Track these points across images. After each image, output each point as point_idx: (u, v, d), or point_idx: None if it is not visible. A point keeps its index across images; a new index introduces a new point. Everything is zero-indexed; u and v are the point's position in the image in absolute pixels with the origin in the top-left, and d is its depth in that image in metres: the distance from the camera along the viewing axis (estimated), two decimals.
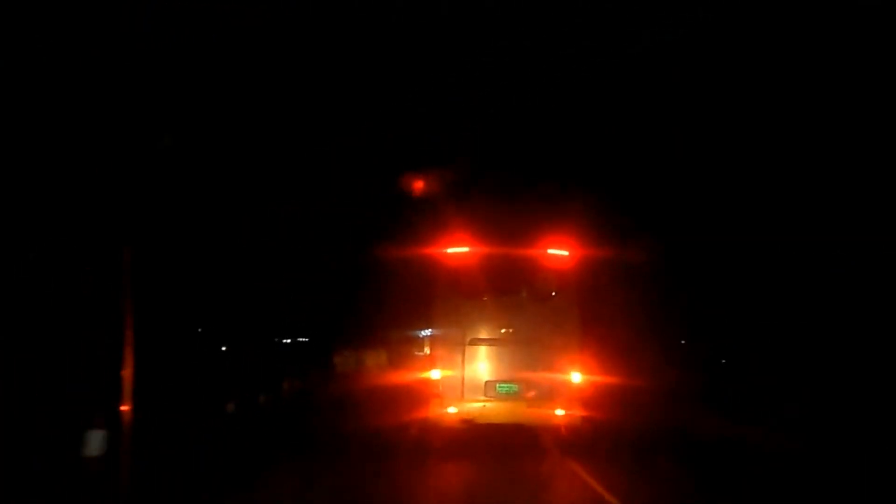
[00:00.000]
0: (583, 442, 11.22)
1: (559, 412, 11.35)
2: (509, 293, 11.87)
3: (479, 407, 11.46)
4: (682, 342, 26.66)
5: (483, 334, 11.69)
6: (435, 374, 11.62)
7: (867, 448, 11.27)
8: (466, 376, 11.54)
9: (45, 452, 8.81)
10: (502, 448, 11.28)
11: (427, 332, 12.14)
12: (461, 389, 11.52)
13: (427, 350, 12.08)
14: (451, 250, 11.91)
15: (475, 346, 11.65)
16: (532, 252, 12.12)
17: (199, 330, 20.34)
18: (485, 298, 11.78)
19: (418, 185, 18.32)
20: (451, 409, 11.43)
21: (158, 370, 11.65)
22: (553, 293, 11.89)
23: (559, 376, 11.43)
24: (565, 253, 12.00)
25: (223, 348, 21.47)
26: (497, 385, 11.53)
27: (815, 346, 18.57)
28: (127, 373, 8.51)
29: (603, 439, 11.47)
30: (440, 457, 10.84)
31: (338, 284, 24.12)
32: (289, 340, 27.12)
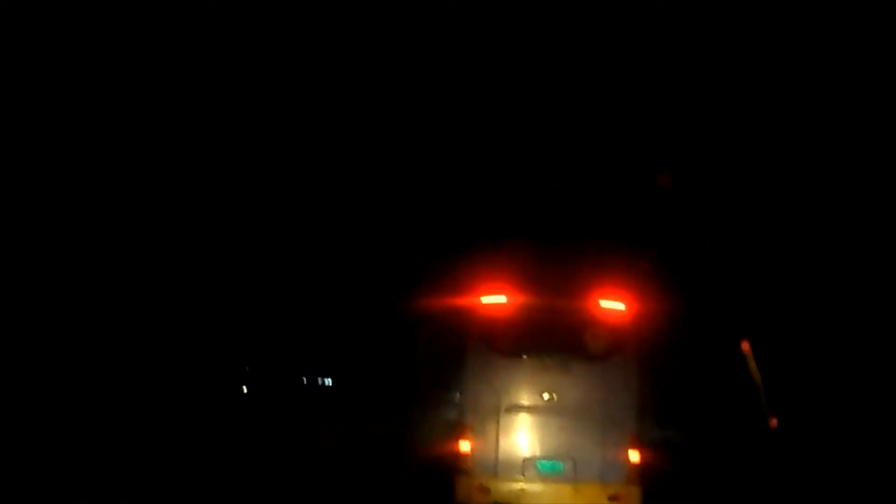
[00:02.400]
0: None
1: (613, 500, 9.48)
2: (554, 352, 9.96)
3: (515, 488, 9.63)
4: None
5: (522, 400, 9.87)
6: (464, 445, 9.82)
7: None
8: (501, 450, 9.70)
9: None
10: None
11: (457, 394, 10.32)
12: (495, 466, 9.69)
13: (456, 416, 10.25)
14: (486, 299, 10.19)
15: (512, 414, 9.84)
16: (582, 304, 10.30)
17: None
18: (525, 357, 9.97)
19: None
20: (482, 490, 9.61)
21: None
22: (607, 353, 10.03)
23: (614, 454, 9.58)
24: (621, 306, 10.19)
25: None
26: (538, 462, 9.68)
27: None
28: None
29: None
30: None
31: (362, 336, 22.90)
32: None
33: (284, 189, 18.37)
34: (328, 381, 24.94)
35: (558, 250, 11.60)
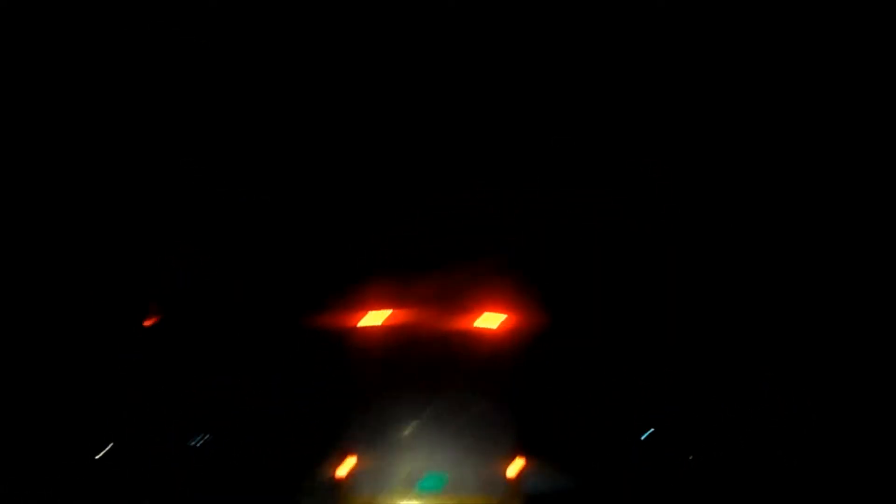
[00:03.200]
0: None
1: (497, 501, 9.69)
2: (434, 370, 10.14)
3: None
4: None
5: (403, 419, 9.95)
6: (345, 465, 9.85)
7: None
8: (383, 469, 9.77)
9: None
10: None
11: (340, 416, 10.32)
12: (377, 485, 9.75)
13: (338, 438, 10.23)
14: (364, 321, 10.27)
15: (394, 434, 9.91)
16: (460, 322, 10.54)
17: None
18: (406, 375, 10.10)
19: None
20: None
21: None
22: (485, 369, 10.26)
23: (494, 467, 9.78)
24: (497, 323, 10.48)
25: None
26: (420, 479, 9.78)
27: None
28: None
29: None
30: None
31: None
32: None
33: None
34: None
35: (437, 270, 11.79)
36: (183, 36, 14.10)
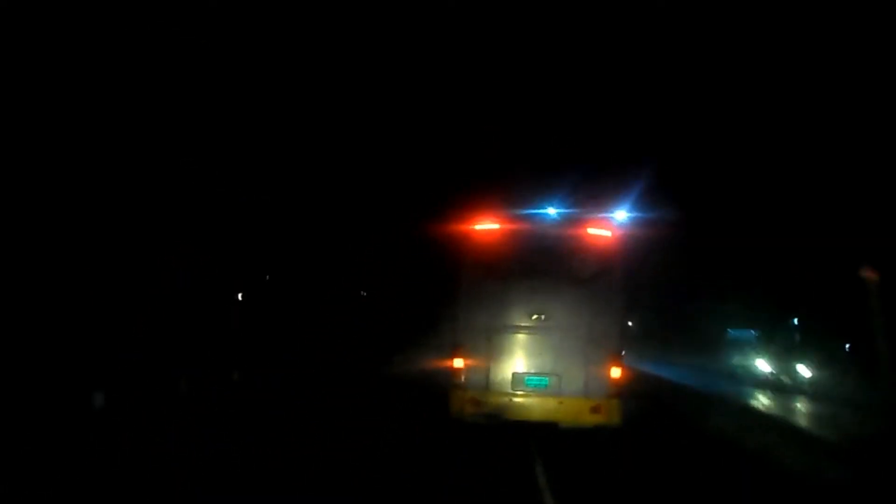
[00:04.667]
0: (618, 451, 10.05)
1: (595, 412, 10.15)
2: (543, 276, 10.48)
3: (505, 402, 10.29)
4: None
5: (513, 321, 10.45)
6: (458, 362, 10.46)
7: None
8: (492, 366, 10.34)
9: None
10: (524, 452, 10.01)
11: (454, 315, 10.86)
12: (486, 381, 10.33)
13: (451, 336, 10.82)
14: (479, 226, 10.72)
15: (503, 334, 10.44)
16: (570, 231, 10.87)
17: None
18: (516, 280, 10.50)
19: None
20: (474, 403, 10.28)
21: None
22: (592, 278, 10.56)
23: (596, 370, 10.20)
24: (607, 233, 10.74)
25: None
26: (526, 378, 10.32)
27: None
28: None
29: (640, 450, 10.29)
30: (453, 456, 9.60)
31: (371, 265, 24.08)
32: None
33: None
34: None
35: (551, 177, 12.01)
36: (183, 36, 14.06)
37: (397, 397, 13.90)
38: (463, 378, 10.36)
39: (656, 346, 33.10)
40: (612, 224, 10.93)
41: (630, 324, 24.13)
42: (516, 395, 10.27)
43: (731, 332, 30.15)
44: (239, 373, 16.23)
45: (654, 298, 31.30)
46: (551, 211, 11.16)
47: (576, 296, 10.43)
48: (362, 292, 27.35)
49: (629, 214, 13.23)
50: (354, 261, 23.66)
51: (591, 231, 10.72)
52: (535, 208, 11.31)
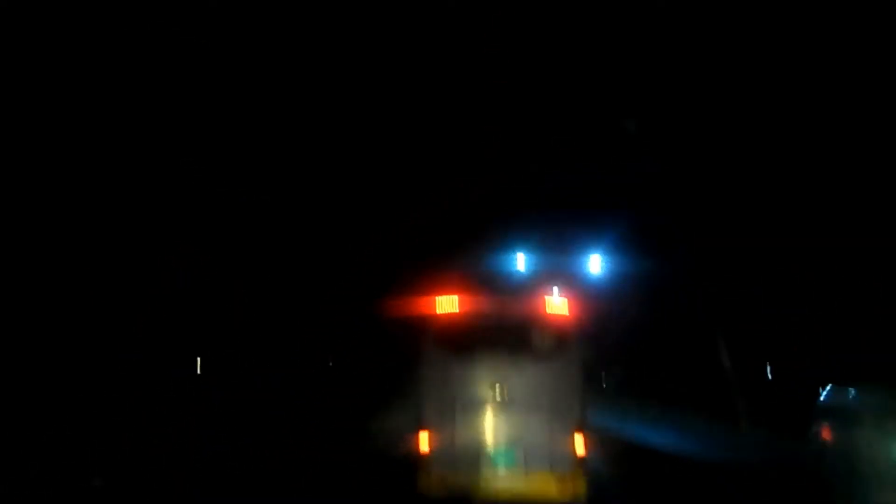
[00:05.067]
0: None
1: (561, 484, 10.29)
2: (504, 352, 10.69)
3: (472, 479, 10.38)
4: None
5: (476, 397, 10.59)
6: (423, 440, 10.57)
7: None
8: (457, 444, 10.44)
9: None
10: None
11: (417, 393, 11.02)
12: (452, 458, 10.43)
13: (415, 414, 10.95)
14: (440, 305, 10.97)
15: (467, 411, 10.56)
16: (529, 307, 11.18)
17: None
18: (478, 359, 10.70)
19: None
20: (441, 481, 10.37)
21: None
22: (552, 352, 10.83)
23: (560, 444, 10.39)
24: (565, 309, 11.06)
25: None
26: (492, 454, 10.45)
27: None
28: None
29: None
30: None
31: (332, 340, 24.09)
32: None
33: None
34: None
35: (507, 262, 12.38)
36: (183, 36, 14.34)
37: (364, 473, 13.89)
38: (429, 456, 10.47)
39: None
40: (570, 299, 11.27)
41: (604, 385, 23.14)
42: (484, 472, 10.37)
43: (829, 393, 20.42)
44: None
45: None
46: (520, 263, 11.40)
47: (536, 371, 10.65)
48: (329, 362, 27.26)
49: (604, 262, 13.63)
50: (322, 331, 23.62)
51: (549, 307, 11.03)
52: (501, 265, 11.57)
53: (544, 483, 10.31)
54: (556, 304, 11.05)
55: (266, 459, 15.40)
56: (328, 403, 22.71)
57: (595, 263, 16.50)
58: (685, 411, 22.88)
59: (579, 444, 10.39)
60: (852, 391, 10.57)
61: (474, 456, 10.43)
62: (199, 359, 21.37)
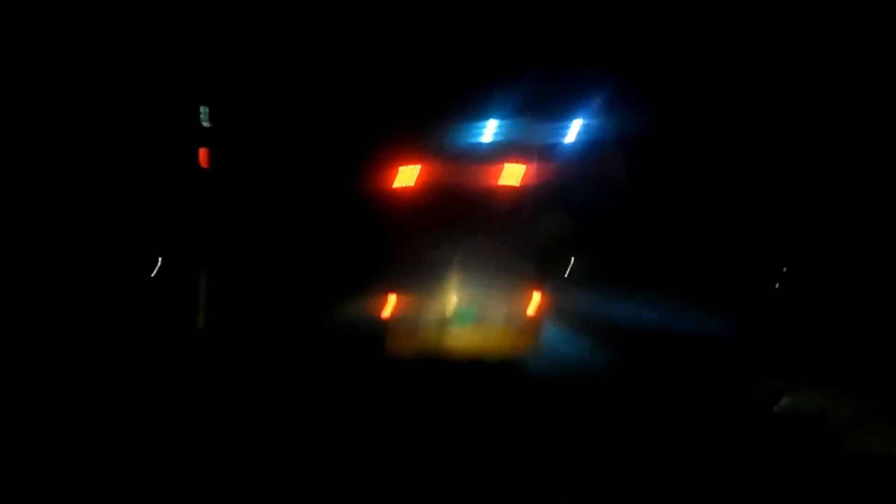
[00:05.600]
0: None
1: (517, 335, 11.23)
2: (463, 219, 11.41)
3: (436, 336, 11.27)
4: None
5: (437, 262, 11.35)
6: (388, 306, 11.38)
7: None
8: (421, 307, 11.29)
9: None
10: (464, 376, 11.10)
11: (383, 261, 11.71)
12: (417, 319, 11.30)
13: (382, 281, 11.68)
14: (399, 177, 11.45)
15: (429, 275, 11.35)
16: (487, 174, 11.67)
17: None
18: (438, 226, 11.37)
19: None
20: (407, 341, 11.25)
21: None
22: (510, 214, 11.48)
23: (517, 299, 11.23)
24: (521, 168, 11.57)
25: None
26: (454, 313, 11.29)
27: None
28: None
29: None
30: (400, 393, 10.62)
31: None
32: None
33: None
34: None
35: (475, 131, 12.59)
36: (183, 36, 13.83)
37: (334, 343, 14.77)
38: (395, 320, 11.31)
39: None
40: (531, 165, 11.73)
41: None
42: (443, 332, 11.25)
43: None
44: None
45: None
46: (487, 133, 11.74)
47: (494, 234, 11.35)
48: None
49: (583, 130, 13.94)
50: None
51: (507, 168, 11.53)
52: (466, 135, 11.92)
53: (502, 335, 11.21)
54: (514, 172, 11.52)
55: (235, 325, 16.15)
56: (294, 279, 23.41)
57: (573, 131, 16.71)
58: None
59: (534, 303, 11.22)
60: None
61: (437, 316, 11.26)
62: None
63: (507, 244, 11.31)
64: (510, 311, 11.22)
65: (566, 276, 13.87)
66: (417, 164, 11.54)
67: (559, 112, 14.49)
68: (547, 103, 15.33)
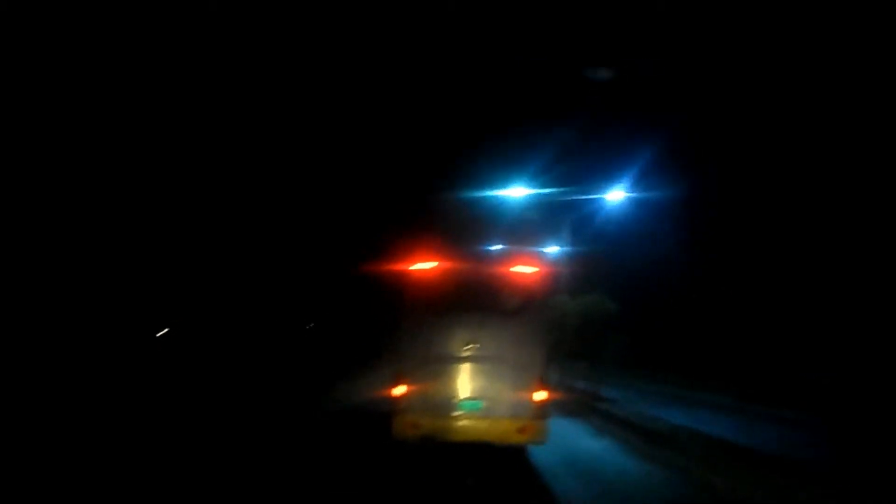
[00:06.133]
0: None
1: (521, 432, 11.42)
2: (475, 309, 11.80)
3: (442, 423, 11.48)
4: None
5: (448, 351, 11.68)
6: (399, 389, 11.64)
7: None
8: (430, 392, 11.54)
9: None
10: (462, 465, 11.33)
11: (395, 347, 12.07)
12: (424, 406, 11.53)
13: (394, 366, 12.01)
14: (417, 266, 11.98)
15: (440, 363, 11.66)
16: (499, 268, 12.23)
17: None
18: (451, 315, 11.77)
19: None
20: (415, 426, 11.45)
21: None
22: (518, 310, 11.88)
23: (522, 394, 11.47)
24: (531, 270, 12.09)
25: None
26: (460, 402, 11.53)
27: None
28: None
29: None
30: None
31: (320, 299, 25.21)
32: None
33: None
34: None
35: (479, 225, 13.36)
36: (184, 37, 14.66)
37: (346, 422, 14.99)
38: (404, 404, 11.55)
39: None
40: (537, 261, 12.30)
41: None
42: (452, 418, 11.49)
43: None
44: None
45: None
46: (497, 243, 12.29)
47: (504, 328, 11.73)
48: (308, 325, 28.42)
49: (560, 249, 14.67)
50: (303, 295, 24.69)
51: (518, 269, 12.08)
52: (465, 249, 12.53)
53: (507, 428, 11.42)
54: (524, 265, 12.07)
55: (251, 417, 16.42)
56: (312, 362, 23.89)
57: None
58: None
59: (539, 395, 11.49)
60: None
61: (444, 404, 11.51)
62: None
63: (518, 336, 11.69)
64: (517, 402, 11.45)
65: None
66: (434, 258, 12.10)
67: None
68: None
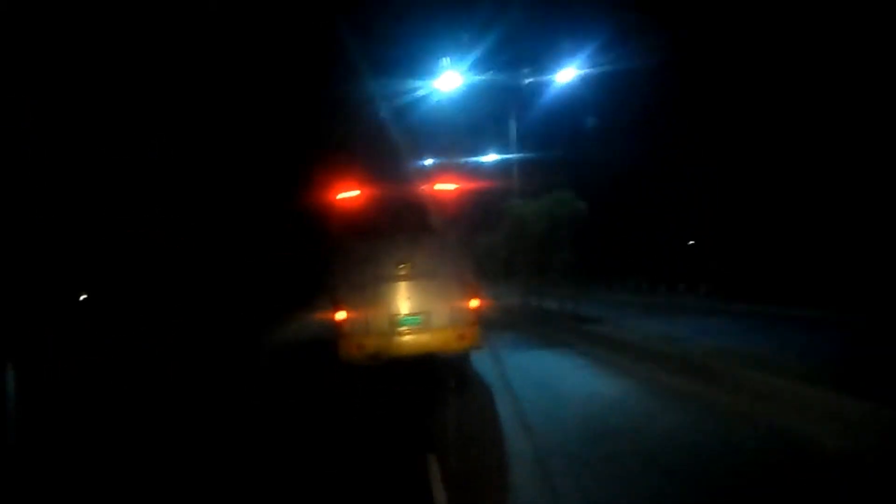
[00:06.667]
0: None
1: (461, 339, 12.11)
2: (403, 230, 12.28)
3: (386, 341, 12.06)
4: None
5: (383, 272, 12.18)
6: (340, 314, 12.15)
7: None
8: (370, 314, 12.09)
9: None
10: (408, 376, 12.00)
11: (332, 275, 12.51)
12: (367, 327, 12.08)
13: (333, 293, 12.47)
14: (342, 195, 12.35)
15: (376, 285, 12.18)
16: (422, 188, 12.70)
17: None
18: (381, 238, 12.24)
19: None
20: (359, 347, 12.01)
21: None
22: (445, 226, 12.39)
23: (458, 304, 12.11)
24: (452, 187, 12.57)
25: None
26: (401, 318, 12.11)
27: None
28: None
29: None
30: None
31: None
32: None
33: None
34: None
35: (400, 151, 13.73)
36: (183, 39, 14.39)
37: (293, 354, 15.54)
38: (347, 327, 12.09)
39: None
40: (461, 175, 12.77)
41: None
42: (395, 335, 12.09)
43: None
44: None
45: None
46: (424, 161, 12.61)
47: (432, 244, 12.27)
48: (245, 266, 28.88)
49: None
50: (238, 237, 24.89)
51: (440, 186, 12.55)
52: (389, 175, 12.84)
53: (446, 338, 12.09)
54: (447, 186, 12.54)
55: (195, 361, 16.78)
56: (254, 302, 24.24)
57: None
58: None
59: (473, 303, 12.15)
60: None
61: (385, 322, 12.08)
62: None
63: (448, 250, 12.24)
64: (453, 314, 12.07)
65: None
66: (359, 186, 12.47)
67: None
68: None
